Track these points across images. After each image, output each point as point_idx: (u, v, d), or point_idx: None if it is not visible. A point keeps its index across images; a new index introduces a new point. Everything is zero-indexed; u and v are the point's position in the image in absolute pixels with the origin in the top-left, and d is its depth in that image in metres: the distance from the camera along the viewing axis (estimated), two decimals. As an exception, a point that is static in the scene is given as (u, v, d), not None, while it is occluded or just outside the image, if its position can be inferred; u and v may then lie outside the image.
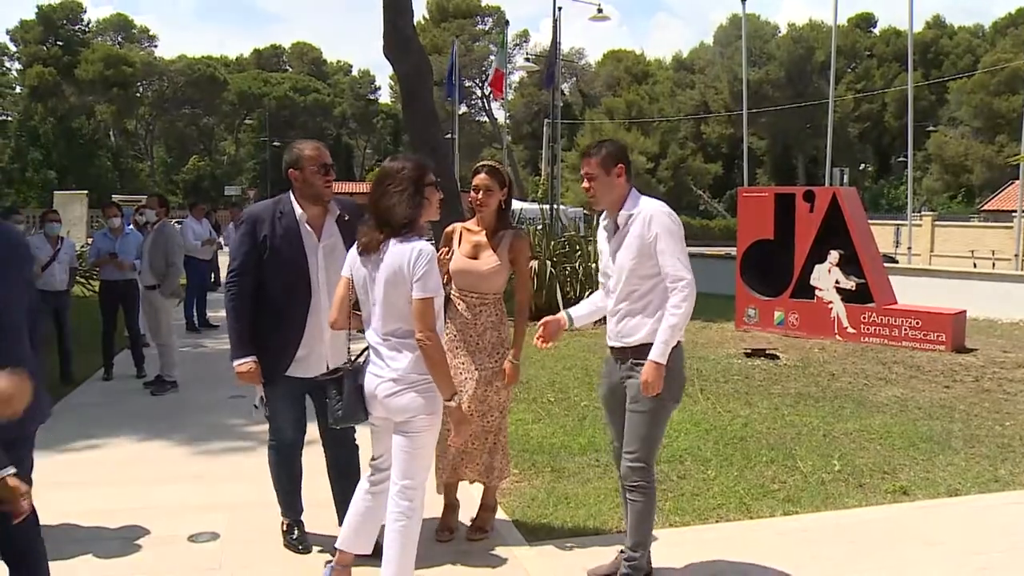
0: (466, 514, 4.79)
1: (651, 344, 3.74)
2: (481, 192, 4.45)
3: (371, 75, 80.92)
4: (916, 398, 8.08)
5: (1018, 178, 22.12)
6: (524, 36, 69.07)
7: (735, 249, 13.15)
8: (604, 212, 4.00)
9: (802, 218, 11.70)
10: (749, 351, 10.24)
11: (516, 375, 4.51)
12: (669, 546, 4.54)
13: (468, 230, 4.57)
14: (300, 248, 4.22)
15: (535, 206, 29.51)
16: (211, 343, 11.87)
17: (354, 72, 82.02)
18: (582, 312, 4.18)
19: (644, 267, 3.79)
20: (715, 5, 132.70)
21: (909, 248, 24.97)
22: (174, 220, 13.10)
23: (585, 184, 3.94)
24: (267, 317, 4.23)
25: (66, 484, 5.61)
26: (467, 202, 4.68)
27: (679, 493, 5.37)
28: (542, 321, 4.07)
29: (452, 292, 4.50)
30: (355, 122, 77.34)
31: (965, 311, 11.44)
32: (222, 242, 14.60)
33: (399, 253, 3.46)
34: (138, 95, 66.24)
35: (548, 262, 13.09)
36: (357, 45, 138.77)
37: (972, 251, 30.18)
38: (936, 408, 7.69)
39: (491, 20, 66.54)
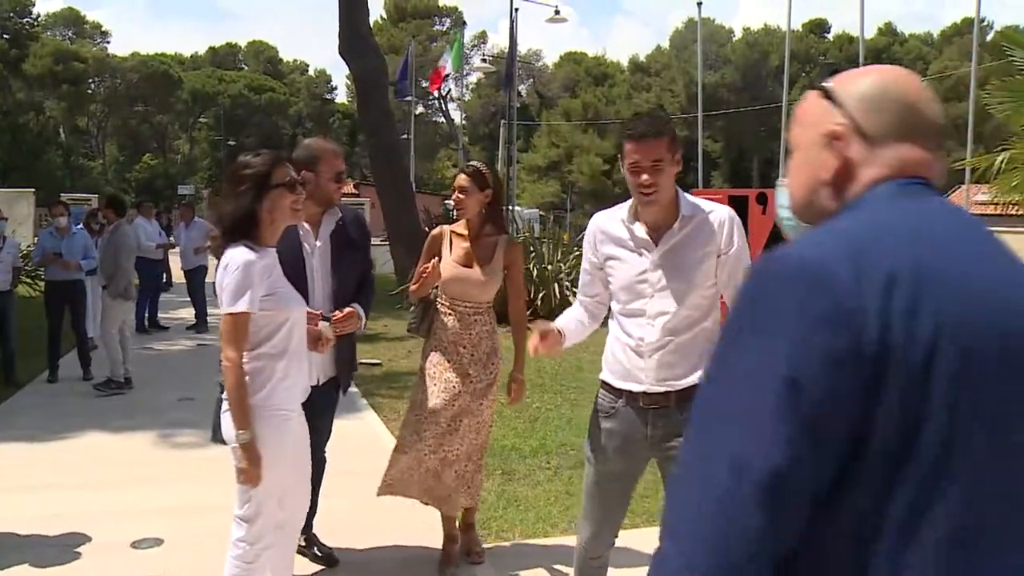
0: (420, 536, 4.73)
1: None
2: (458, 193, 4.20)
3: (327, 75, 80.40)
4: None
5: (965, 182, 22.50)
6: (482, 37, 69.03)
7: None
8: (614, 211, 3.09)
9: (755, 219, 11.77)
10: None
11: (523, 391, 4.33)
12: (617, 550, 4.52)
13: (458, 234, 4.28)
14: (298, 248, 3.94)
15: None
16: (161, 345, 11.68)
17: (310, 71, 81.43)
18: (571, 328, 3.28)
19: (707, 286, 2.93)
20: (672, 8, 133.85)
21: (860, 250, 25.31)
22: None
23: (647, 179, 2.81)
24: None
25: (4, 489, 5.48)
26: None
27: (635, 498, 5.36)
28: (541, 331, 3.13)
29: (441, 302, 4.24)
30: (311, 122, 76.68)
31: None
32: (173, 241, 14.35)
33: (221, 263, 3.11)
34: (90, 92, 65.09)
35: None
36: (314, 44, 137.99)
37: (922, 253, 30.69)
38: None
39: (449, 21, 66.44)
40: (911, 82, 1.30)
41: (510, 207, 20.88)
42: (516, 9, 22.56)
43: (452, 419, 4.11)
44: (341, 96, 77.30)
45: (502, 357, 4.31)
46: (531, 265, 13.70)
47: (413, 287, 4.17)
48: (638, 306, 2.95)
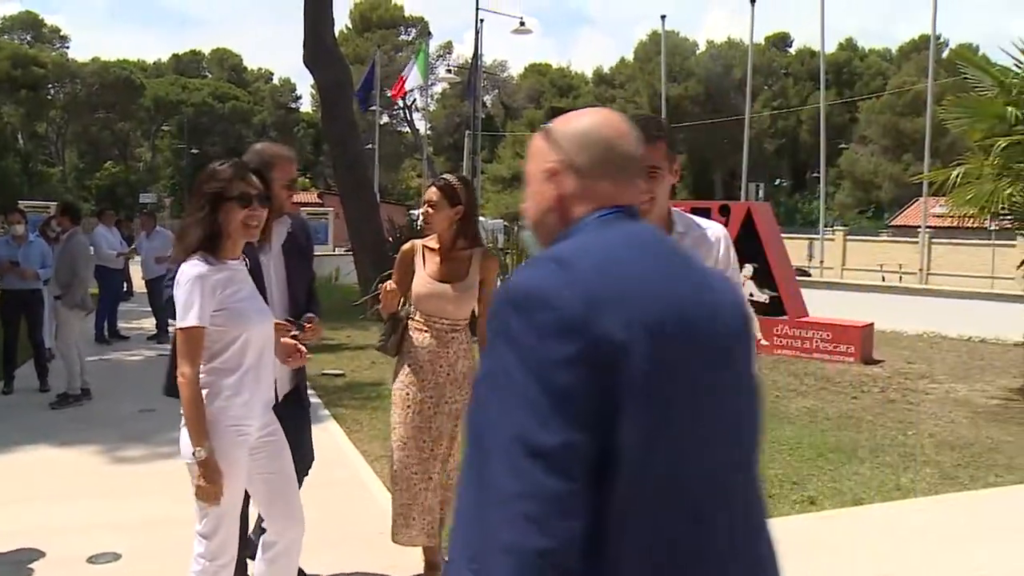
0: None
1: None
2: (427, 207, 4.04)
3: (292, 83, 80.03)
4: (826, 409, 8.27)
5: (922, 195, 22.94)
6: (448, 48, 69.04)
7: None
8: None
9: (717, 232, 11.91)
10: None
11: None
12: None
13: (431, 249, 4.10)
14: (252, 257, 3.74)
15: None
16: (120, 355, 11.53)
17: (275, 80, 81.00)
18: None
19: None
20: (637, 21, 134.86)
21: (821, 262, 25.66)
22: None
23: (649, 186, 2.47)
24: None
25: (-42, 503, 5.37)
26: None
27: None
28: None
29: (415, 319, 4.07)
30: (275, 131, 76.16)
31: (873, 323, 11.77)
32: (135, 249, 14.14)
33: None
34: (49, 97, 64.17)
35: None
36: (279, 53, 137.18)
37: (881, 265, 31.13)
38: (844, 419, 7.89)
39: (415, 31, 66.42)
40: (613, 123, 1.55)
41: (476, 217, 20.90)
42: (481, 20, 22.65)
43: (433, 443, 3.99)
44: (306, 105, 77.01)
45: None
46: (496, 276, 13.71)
47: (380, 306, 4.09)
48: None
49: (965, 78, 9.54)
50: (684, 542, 1.34)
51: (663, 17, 28.74)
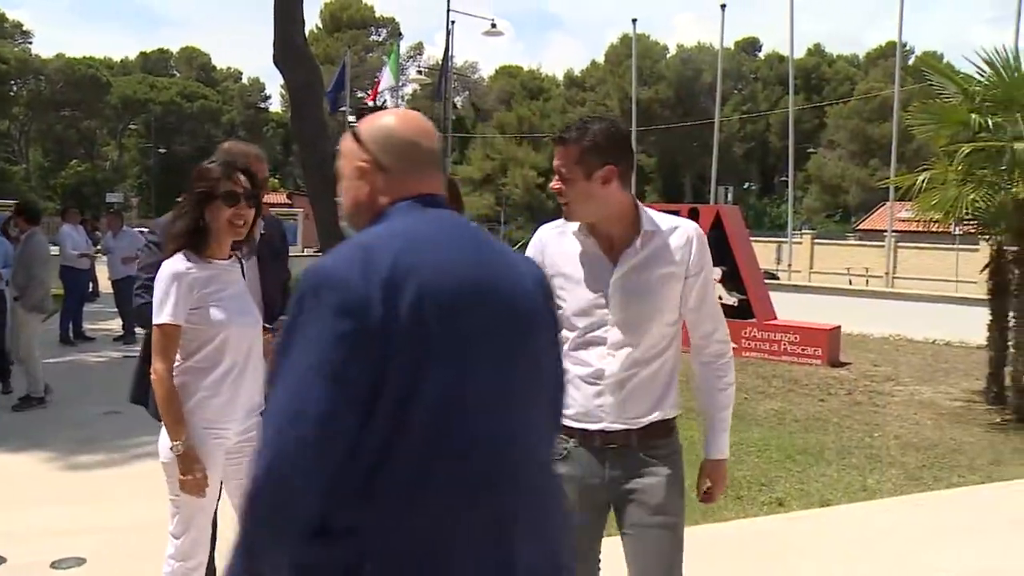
0: None
1: (664, 422, 2.58)
2: None
3: (261, 83, 79.62)
4: (793, 411, 8.34)
5: (889, 200, 23.23)
6: (418, 49, 69.12)
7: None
8: (562, 223, 2.69)
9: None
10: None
11: None
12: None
13: None
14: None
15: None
16: (85, 356, 11.38)
17: (244, 80, 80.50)
18: None
19: (672, 311, 2.58)
20: (608, 24, 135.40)
21: (789, 265, 25.88)
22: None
23: (555, 184, 2.56)
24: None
25: (-82, 507, 5.28)
26: None
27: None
28: None
29: None
30: (244, 130, 75.69)
31: (840, 326, 11.89)
32: (101, 249, 13.94)
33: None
34: (12, 94, 63.31)
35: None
36: (248, 52, 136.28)
37: (848, 268, 31.44)
38: (812, 421, 7.96)
39: (385, 31, 66.31)
40: (414, 122, 1.75)
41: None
42: (453, 22, 22.62)
43: None
44: (275, 105, 76.62)
45: None
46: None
47: None
48: (598, 334, 2.56)
49: (930, 85, 9.66)
50: (475, 506, 1.54)
51: (634, 21, 28.90)
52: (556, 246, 2.67)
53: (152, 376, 2.97)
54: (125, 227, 13.28)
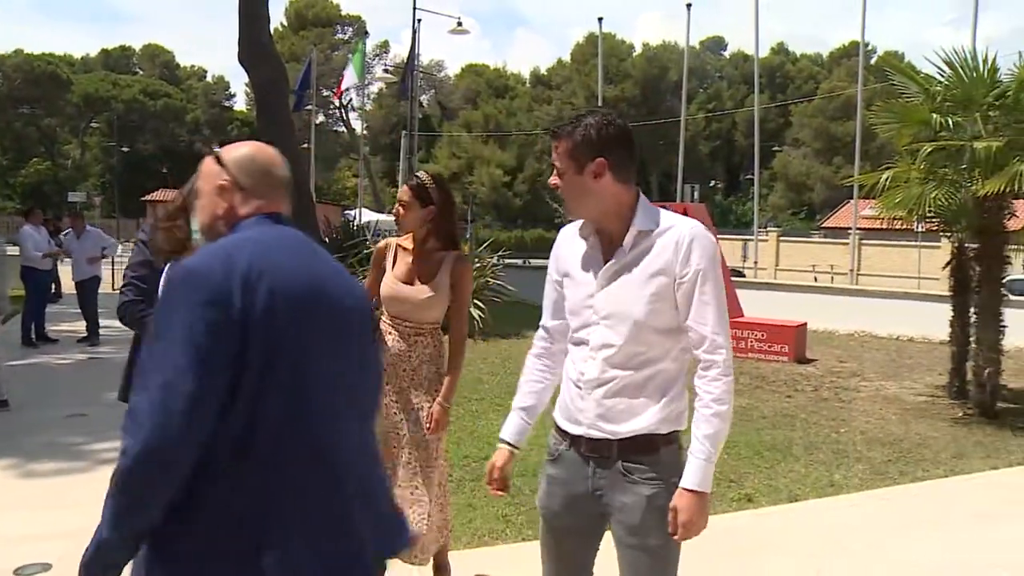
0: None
1: (649, 437, 2.43)
2: (399, 206, 3.91)
3: (226, 81, 78.84)
4: (761, 408, 8.42)
5: (853, 197, 23.48)
6: (384, 47, 68.68)
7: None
8: (580, 222, 2.60)
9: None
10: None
11: (445, 421, 3.92)
12: (523, 560, 4.55)
13: (404, 248, 3.97)
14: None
15: (392, 218, 29.30)
16: (49, 358, 11.21)
17: (208, 78, 79.69)
18: (522, 424, 2.74)
19: (662, 317, 2.41)
20: (573, 22, 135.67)
21: (755, 262, 26.08)
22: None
23: (552, 179, 2.52)
24: None
25: None
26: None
27: (532, 507, 5.36)
28: (491, 470, 2.72)
29: (383, 320, 3.97)
30: (208, 129, 75.02)
31: (806, 323, 12.02)
32: (64, 250, 13.70)
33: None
34: (-32, 91, 62.27)
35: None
36: (212, 50, 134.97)
37: (813, 266, 31.78)
38: (779, 417, 8.04)
39: (351, 30, 65.89)
40: (267, 153, 2.08)
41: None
42: (419, 20, 22.54)
43: (401, 450, 3.84)
44: (240, 103, 75.91)
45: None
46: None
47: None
48: (583, 335, 2.51)
49: (893, 84, 9.77)
50: (310, 467, 1.82)
51: (600, 19, 28.95)
52: (567, 246, 2.63)
53: None
54: (88, 227, 13.11)
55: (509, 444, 2.72)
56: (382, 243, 4.12)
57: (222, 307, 1.72)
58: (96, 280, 12.49)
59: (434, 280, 3.87)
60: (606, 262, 2.48)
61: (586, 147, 2.42)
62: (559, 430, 2.61)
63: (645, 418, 2.42)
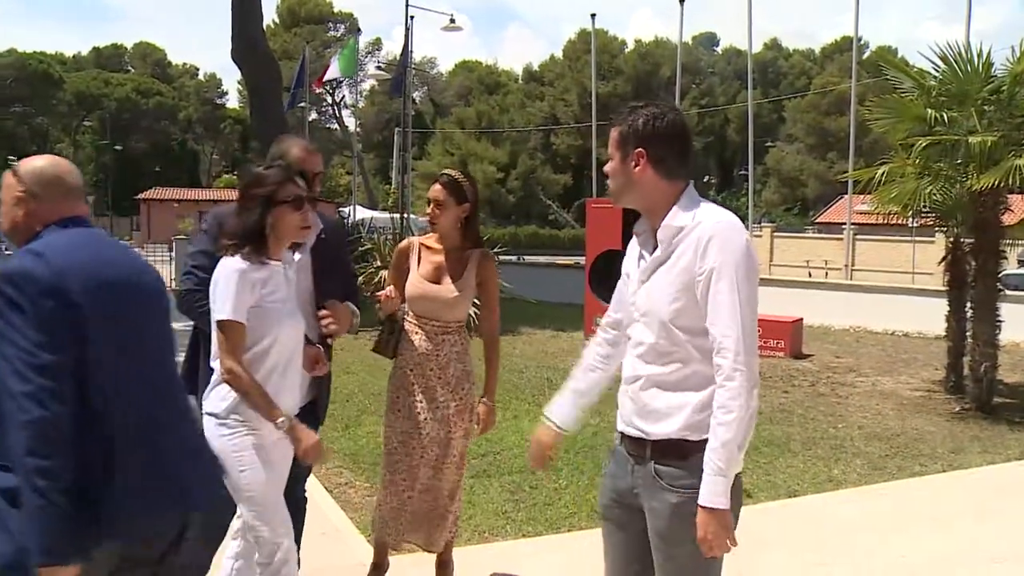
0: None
1: (683, 443, 2.36)
2: (433, 207, 3.81)
3: (218, 79, 78.62)
4: (758, 403, 8.41)
5: (847, 193, 23.50)
6: (377, 44, 68.44)
7: (584, 259, 13.41)
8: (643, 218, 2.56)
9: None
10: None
11: (492, 419, 3.97)
12: (523, 556, 4.55)
13: (428, 247, 3.92)
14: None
15: (386, 215, 29.28)
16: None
17: (200, 76, 79.46)
18: (573, 407, 2.76)
19: (689, 316, 2.35)
20: (566, 19, 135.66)
21: (750, 258, 26.02)
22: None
23: (606, 167, 2.53)
24: None
25: None
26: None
27: (531, 503, 5.40)
28: (534, 444, 2.82)
29: (408, 319, 3.91)
30: (201, 127, 74.87)
31: (802, 319, 12.04)
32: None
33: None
34: (-41, 90, 61.98)
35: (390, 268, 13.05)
36: (204, 48, 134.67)
37: (808, 261, 31.80)
38: (777, 413, 8.04)
39: (343, 27, 65.76)
40: (60, 164, 2.39)
41: (405, 215, 20.80)
42: (411, 17, 22.49)
43: (423, 449, 3.82)
44: (232, 101, 75.71)
45: (475, 382, 3.97)
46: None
47: (379, 309, 3.84)
48: (628, 332, 2.53)
49: (886, 79, 9.78)
50: (137, 420, 2.20)
51: (593, 16, 28.89)
52: (631, 247, 2.61)
53: (225, 377, 2.95)
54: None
55: (551, 421, 2.75)
56: (404, 243, 4.06)
57: (48, 300, 2.06)
58: None
59: (462, 278, 3.84)
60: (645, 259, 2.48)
61: (631, 137, 2.42)
62: (617, 427, 2.59)
63: (676, 421, 2.36)
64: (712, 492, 2.26)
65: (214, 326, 3.02)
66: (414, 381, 3.83)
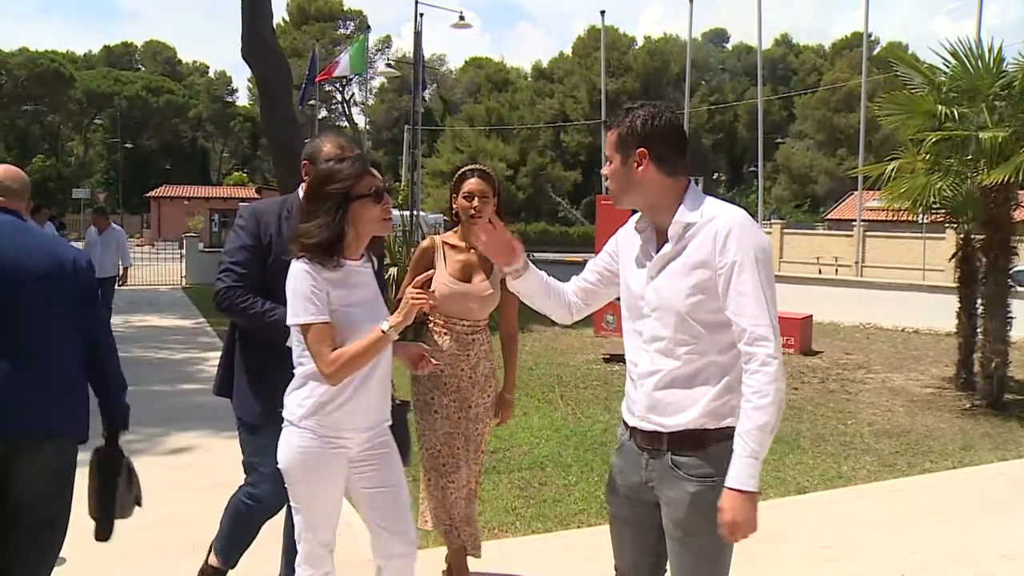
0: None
1: (701, 432, 2.41)
2: (476, 199, 3.72)
3: (228, 77, 78.83)
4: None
5: (857, 189, 23.44)
6: (386, 41, 68.61)
7: (593, 255, 13.42)
8: (639, 214, 2.63)
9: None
10: (608, 356, 10.44)
11: (511, 411, 4.00)
12: (532, 553, 4.56)
13: (451, 246, 3.85)
14: None
15: (395, 212, 29.27)
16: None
17: (211, 73, 79.65)
18: (537, 280, 2.77)
19: (706, 309, 2.40)
20: (575, 16, 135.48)
21: (759, 255, 25.97)
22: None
23: (604, 169, 2.61)
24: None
25: None
26: (457, 211, 3.87)
27: (541, 500, 5.41)
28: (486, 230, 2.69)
29: (435, 320, 3.83)
30: (211, 125, 75.05)
31: (812, 315, 12.01)
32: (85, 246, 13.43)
33: (290, 271, 2.86)
34: (-27, 89, 62.25)
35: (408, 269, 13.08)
36: (214, 45, 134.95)
37: (817, 258, 31.69)
38: (786, 409, 7.89)
39: (353, 24, 65.81)
40: (6, 171, 3.11)
41: (415, 212, 20.83)
42: (421, 14, 22.52)
43: (459, 448, 3.80)
44: (243, 99, 75.89)
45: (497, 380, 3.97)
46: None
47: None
48: (636, 327, 2.55)
49: (896, 75, 9.75)
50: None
51: (602, 12, 28.85)
52: (626, 241, 2.67)
53: (331, 382, 2.76)
54: (113, 225, 12.67)
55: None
56: (426, 242, 3.98)
57: None
58: (115, 279, 12.30)
59: (492, 274, 3.78)
60: (655, 254, 2.50)
61: (631, 138, 2.46)
62: (623, 422, 2.63)
63: (694, 411, 2.41)
64: (745, 475, 2.29)
65: (295, 333, 2.83)
66: (447, 382, 3.78)
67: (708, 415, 2.39)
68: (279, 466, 2.89)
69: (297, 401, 2.86)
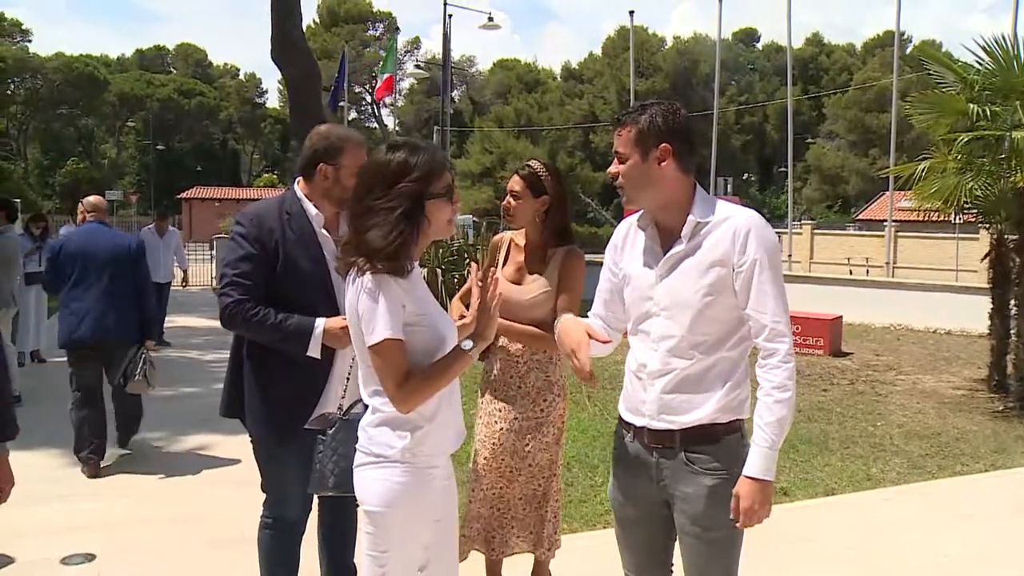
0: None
1: (713, 427, 2.45)
2: (509, 197, 3.63)
3: (258, 79, 79.46)
4: (796, 401, 8.24)
5: (888, 189, 23.20)
6: (415, 43, 68.92)
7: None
8: (639, 214, 2.61)
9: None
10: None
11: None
12: (558, 553, 4.55)
13: (517, 244, 3.72)
14: (320, 257, 3.24)
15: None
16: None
17: (241, 75, 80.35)
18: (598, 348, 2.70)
19: (719, 307, 2.43)
20: (604, 16, 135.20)
21: (790, 256, 25.82)
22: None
23: (612, 168, 2.53)
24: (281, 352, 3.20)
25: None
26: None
27: (567, 500, 5.38)
28: (575, 347, 2.60)
29: None
30: (242, 127, 75.72)
31: (841, 316, 11.92)
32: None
33: (355, 285, 2.43)
34: (9, 92, 63.18)
35: (438, 270, 13.13)
36: (244, 48, 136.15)
37: (848, 258, 31.40)
38: (815, 411, 7.98)
39: (382, 26, 66.19)
40: None
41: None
42: (450, 15, 22.58)
43: (494, 458, 3.61)
44: (272, 101, 76.48)
45: (563, 394, 3.68)
46: (466, 272, 13.75)
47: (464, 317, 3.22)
48: (644, 327, 2.54)
49: (928, 74, 9.64)
50: None
51: (631, 13, 28.75)
52: (625, 239, 2.66)
53: (401, 410, 2.42)
54: (170, 227, 12.56)
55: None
56: (497, 237, 3.91)
57: None
58: (170, 284, 12.25)
59: (542, 278, 3.60)
60: (665, 253, 2.49)
61: (653, 133, 2.43)
62: (623, 422, 2.64)
63: (706, 407, 2.44)
64: (765, 464, 2.37)
65: (363, 355, 2.47)
66: (495, 388, 3.67)
67: (720, 410, 2.44)
68: (365, 508, 2.50)
69: (397, 433, 2.46)
